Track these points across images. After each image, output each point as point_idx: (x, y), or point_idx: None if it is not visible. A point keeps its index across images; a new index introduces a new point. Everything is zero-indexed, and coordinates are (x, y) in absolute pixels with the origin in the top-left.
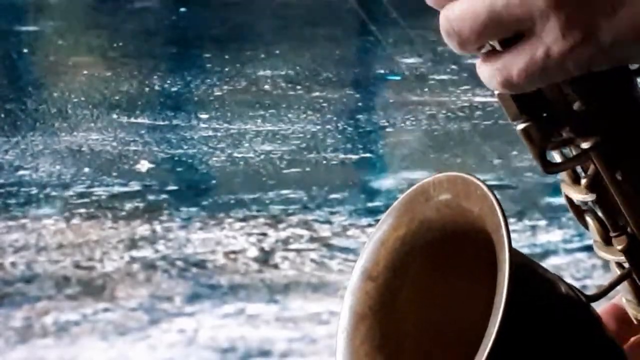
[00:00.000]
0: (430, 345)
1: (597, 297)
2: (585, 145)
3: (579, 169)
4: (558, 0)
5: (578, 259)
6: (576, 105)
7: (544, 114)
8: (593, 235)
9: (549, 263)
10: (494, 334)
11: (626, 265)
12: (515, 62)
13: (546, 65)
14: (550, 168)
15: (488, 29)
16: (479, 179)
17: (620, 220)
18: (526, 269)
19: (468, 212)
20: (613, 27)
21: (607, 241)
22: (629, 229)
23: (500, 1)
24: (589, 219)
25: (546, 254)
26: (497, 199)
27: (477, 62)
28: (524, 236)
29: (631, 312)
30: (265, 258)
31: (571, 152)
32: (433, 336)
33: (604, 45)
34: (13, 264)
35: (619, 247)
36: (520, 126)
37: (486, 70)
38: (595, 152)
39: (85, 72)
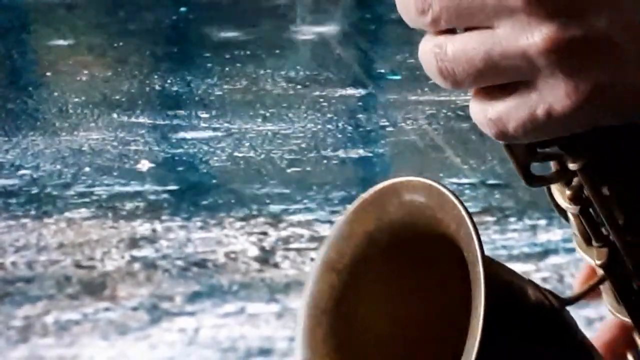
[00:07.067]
0: (395, 343)
1: (573, 300)
2: (573, 166)
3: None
4: (562, 54)
5: (578, 258)
6: None
7: None
8: (573, 230)
9: (549, 262)
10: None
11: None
12: (513, 116)
13: (547, 123)
14: (534, 183)
15: (484, 75)
16: (445, 186)
17: (604, 230)
18: (493, 279)
19: (439, 219)
20: (626, 81)
21: (588, 241)
22: (611, 237)
23: (498, 49)
24: (570, 215)
25: (546, 253)
26: (467, 211)
27: (471, 101)
28: (524, 235)
29: (609, 307)
30: (265, 257)
31: (557, 166)
32: (398, 335)
33: (614, 103)
34: (14, 264)
35: (598, 262)
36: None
37: (480, 115)
38: (582, 169)
39: (85, 72)
